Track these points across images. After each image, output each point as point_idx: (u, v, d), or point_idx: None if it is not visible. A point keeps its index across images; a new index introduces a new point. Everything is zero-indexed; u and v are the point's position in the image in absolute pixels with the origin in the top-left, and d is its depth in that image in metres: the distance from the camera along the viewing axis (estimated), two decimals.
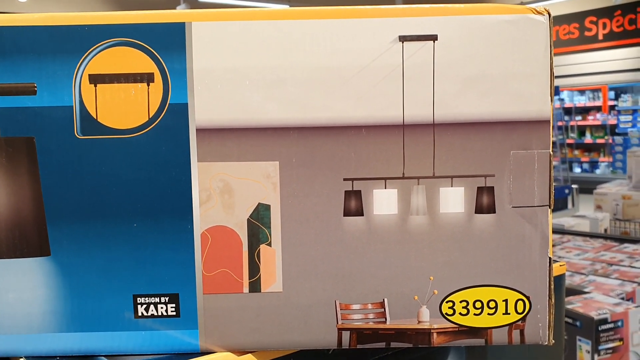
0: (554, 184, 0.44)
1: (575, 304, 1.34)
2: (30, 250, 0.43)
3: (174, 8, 6.60)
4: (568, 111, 7.86)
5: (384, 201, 0.43)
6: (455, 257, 0.44)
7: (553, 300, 0.45)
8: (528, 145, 0.43)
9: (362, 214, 0.43)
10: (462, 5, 0.43)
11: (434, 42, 0.42)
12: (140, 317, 0.44)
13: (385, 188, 0.43)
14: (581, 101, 7.91)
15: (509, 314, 0.44)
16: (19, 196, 0.43)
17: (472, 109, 0.43)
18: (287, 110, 0.43)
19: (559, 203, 4.87)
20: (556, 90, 5.17)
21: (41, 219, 0.43)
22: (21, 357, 0.44)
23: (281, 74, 0.43)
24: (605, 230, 2.96)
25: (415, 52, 0.42)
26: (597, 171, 7.61)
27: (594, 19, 7.54)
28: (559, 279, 0.67)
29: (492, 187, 0.43)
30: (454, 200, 0.43)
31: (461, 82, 0.42)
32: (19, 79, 0.42)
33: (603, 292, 1.44)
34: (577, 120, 7.87)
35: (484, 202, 0.43)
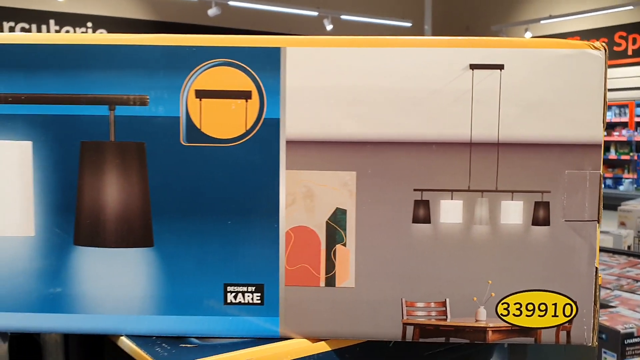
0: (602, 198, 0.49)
1: (601, 317, 1.38)
2: (136, 241, 0.49)
3: (205, 11, 6.71)
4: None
5: (450, 211, 0.48)
6: (512, 264, 0.49)
7: (598, 306, 0.50)
8: (581, 165, 0.48)
9: (429, 222, 0.49)
10: (526, 39, 0.48)
11: (500, 70, 0.47)
12: (229, 303, 0.50)
13: (452, 199, 0.48)
14: (607, 116, 7.88)
15: (558, 316, 0.49)
16: (129, 193, 0.49)
17: (532, 131, 0.48)
18: (365, 127, 0.48)
19: None
20: None
21: (147, 214, 0.49)
22: (122, 335, 0.50)
23: (361, 95, 0.48)
24: (629, 247, 2.96)
25: (483, 79, 0.48)
26: (621, 188, 7.56)
27: (624, 34, 7.51)
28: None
29: (548, 202, 0.48)
30: (513, 212, 0.48)
31: (523, 107, 0.48)
32: (133, 91, 0.48)
33: (629, 307, 1.48)
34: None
35: (540, 215, 0.48)
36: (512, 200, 0.48)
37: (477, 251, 0.49)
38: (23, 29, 6.56)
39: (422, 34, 7.11)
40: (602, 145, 0.48)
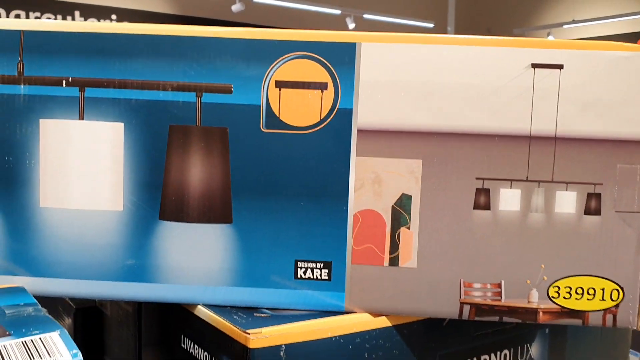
0: None
1: None
2: (216, 217, 0.54)
3: (229, 7, 6.76)
4: None
5: (508, 199, 0.52)
6: (564, 250, 0.52)
7: None
8: (632, 160, 0.52)
9: (489, 209, 0.52)
10: (584, 41, 0.52)
11: (560, 70, 0.51)
12: (299, 278, 0.54)
13: (511, 188, 0.52)
14: None
15: (605, 300, 0.53)
16: (212, 174, 0.53)
17: (588, 127, 0.51)
18: (433, 118, 0.52)
19: None
20: None
21: (227, 193, 0.53)
22: (199, 305, 0.55)
23: (430, 88, 0.52)
24: None
25: (544, 78, 0.51)
26: None
27: None
28: None
29: (600, 194, 0.52)
30: (567, 202, 0.52)
31: (581, 104, 0.51)
32: (219, 80, 0.53)
33: None
34: None
35: (592, 205, 0.52)
36: (566, 190, 0.52)
37: (532, 237, 0.52)
38: (48, 20, 6.65)
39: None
40: None
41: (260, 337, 0.48)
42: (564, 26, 7.46)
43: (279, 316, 0.53)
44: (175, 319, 0.58)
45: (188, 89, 0.53)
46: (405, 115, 0.52)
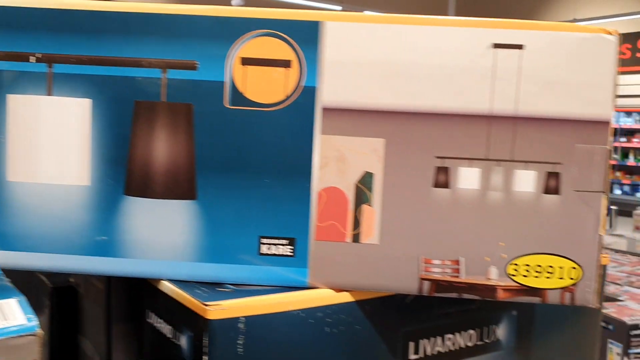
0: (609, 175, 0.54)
1: (609, 309, 1.41)
2: (180, 193, 0.54)
3: (229, 2, 6.76)
4: (613, 132, 7.79)
5: (468, 177, 0.53)
6: (523, 228, 0.53)
7: (601, 271, 0.54)
8: (590, 140, 0.52)
9: (448, 187, 0.53)
10: (546, 22, 0.52)
11: (521, 50, 0.52)
12: (263, 254, 0.55)
13: (470, 167, 0.53)
14: (627, 123, 7.84)
15: (563, 279, 0.54)
16: (176, 150, 0.54)
17: (547, 107, 0.52)
18: (395, 98, 0.53)
19: None
20: None
21: (192, 169, 0.54)
22: (163, 279, 0.56)
23: (393, 68, 0.53)
24: None
25: (505, 58, 0.52)
26: (639, 194, 7.53)
27: None
28: (603, 268, 0.75)
29: (559, 173, 0.53)
30: (526, 181, 0.53)
31: (541, 85, 0.52)
32: (184, 56, 0.53)
33: (637, 301, 1.51)
34: (622, 142, 7.80)
35: (551, 184, 0.53)
36: (525, 169, 0.53)
37: (491, 215, 0.53)
38: None
39: None
40: (611, 122, 0.52)
41: (218, 308, 0.49)
42: None
43: (242, 291, 0.54)
44: (141, 294, 0.59)
45: (154, 65, 0.53)
46: (368, 94, 0.53)
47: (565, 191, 0.53)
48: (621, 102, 7.77)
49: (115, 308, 0.64)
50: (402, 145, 0.53)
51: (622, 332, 1.33)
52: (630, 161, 7.68)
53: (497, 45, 0.52)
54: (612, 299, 1.52)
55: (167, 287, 0.55)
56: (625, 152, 7.76)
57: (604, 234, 0.54)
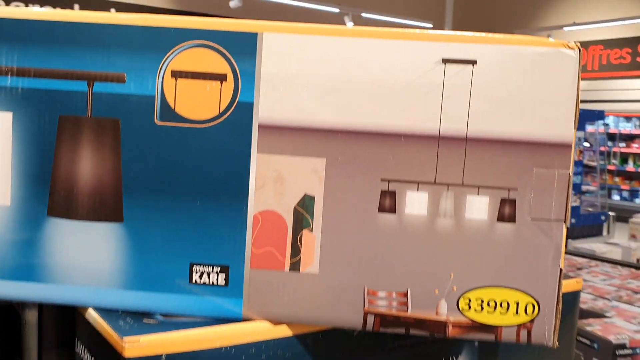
0: (571, 202, 0.49)
1: (594, 326, 1.37)
2: (106, 215, 0.50)
3: (227, 3, 6.73)
4: (612, 137, 7.75)
5: (415, 202, 0.49)
6: (475, 259, 0.49)
7: (560, 307, 0.50)
8: (550, 164, 0.48)
9: (394, 212, 0.49)
10: (501, 36, 0.48)
11: (473, 66, 0.48)
12: (194, 283, 0.50)
13: (418, 191, 0.49)
14: (627, 128, 7.79)
15: (519, 314, 0.49)
16: (102, 168, 0.50)
17: (502, 128, 0.48)
18: (338, 115, 0.49)
19: (594, 229, 4.81)
20: (601, 115, 5.12)
21: (118, 189, 0.50)
22: (89, 307, 0.51)
23: (336, 83, 0.49)
24: (638, 260, 2.94)
25: (456, 74, 0.48)
26: (637, 200, 7.48)
27: None
28: (574, 294, 0.71)
29: (514, 199, 0.49)
30: (478, 207, 0.48)
31: (494, 103, 0.48)
32: (112, 68, 0.49)
33: (625, 318, 1.46)
34: (621, 147, 7.75)
35: (506, 212, 0.49)
36: (477, 195, 0.49)
37: (441, 244, 0.49)
38: None
39: None
40: (573, 145, 0.48)
41: (136, 345, 0.45)
42: (565, 28, 7.41)
43: (169, 323, 0.49)
44: (71, 321, 0.55)
45: (79, 77, 0.49)
46: (308, 111, 0.49)
47: (521, 219, 0.49)
48: (621, 107, 7.73)
49: (46, 334, 0.60)
50: (345, 167, 0.49)
51: (608, 351, 1.29)
52: (630, 167, 7.61)
53: (447, 61, 0.48)
54: (598, 315, 1.47)
55: (92, 316, 0.51)
56: (624, 158, 7.70)
57: (563, 266, 0.49)
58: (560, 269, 0.49)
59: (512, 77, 0.48)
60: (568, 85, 0.48)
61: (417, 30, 0.48)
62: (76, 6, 6.86)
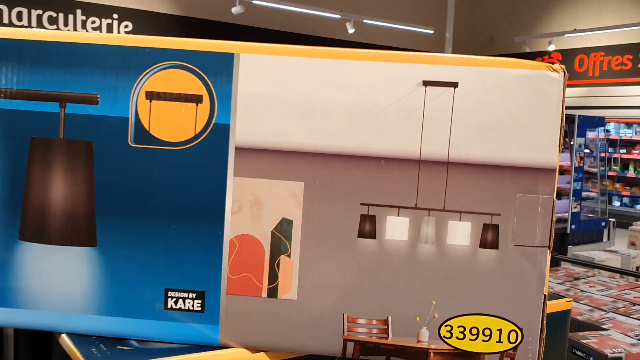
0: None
1: (590, 339, 1.35)
2: (79, 239, 0.49)
3: (229, 9, 6.73)
4: (613, 143, 7.73)
5: (396, 227, 0.47)
6: (458, 286, 0.48)
7: (544, 334, 0.48)
8: (534, 190, 0.47)
9: (374, 237, 0.48)
10: (483, 58, 0.47)
11: (454, 88, 0.46)
12: (169, 309, 0.49)
13: (398, 215, 0.47)
14: (627, 134, 7.77)
15: (502, 342, 0.48)
16: (75, 192, 0.49)
17: (484, 152, 0.47)
18: (316, 138, 0.48)
19: (594, 235, 4.79)
20: (602, 121, 5.10)
21: (91, 214, 0.49)
22: (62, 333, 0.50)
23: (314, 105, 0.47)
24: (637, 268, 2.91)
25: (437, 97, 0.47)
26: (638, 207, 7.45)
27: None
28: (564, 314, 0.70)
29: (497, 225, 0.47)
30: (461, 233, 0.47)
31: (476, 127, 0.47)
32: (84, 89, 0.48)
33: (622, 330, 1.45)
34: (622, 153, 7.73)
35: (489, 238, 0.47)
36: (459, 220, 0.47)
37: (422, 270, 0.48)
38: (50, 17, 6.63)
39: (444, 42, 7.07)
40: (557, 170, 0.47)
41: None
42: (566, 35, 7.40)
43: (144, 350, 0.48)
44: (45, 346, 0.54)
45: (50, 98, 0.48)
46: (286, 133, 0.48)
47: (504, 245, 0.47)
48: (622, 113, 7.71)
49: (22, 357, 0.58)
50: (324, 190, 0.48)
51: None
52: (630, 173, 7.58)
53: (428, 83, 0.46)
54: (595, 327, 1.45)
55: (65, 342, 0.49)
56: (625, 164, 7.67)
57: (547, 293, 0.48)
58: (545, 296, 0.48)
59: (494, 100, 0.46)
60: (552, 108, 0.46)
61: (397, 52, 0.47)
62: (79, 11, 6.86)
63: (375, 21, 7.15)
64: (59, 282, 0.50)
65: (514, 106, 0.46)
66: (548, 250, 0.48)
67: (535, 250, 0.47)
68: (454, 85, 0.46)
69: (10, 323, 0.50)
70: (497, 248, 0.47)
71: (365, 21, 7.13)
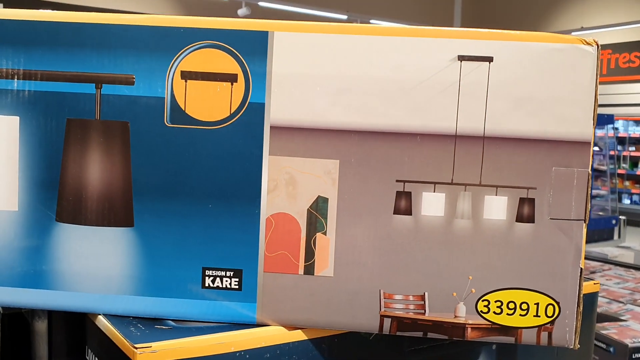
0: (590, 202, 0.48)
1: (610, 329, 1.35)
2: (116, 220, 0.49)
3: (235, 11, 6.75)
4: (622, 141, 7.69)
5: (432, 203, 0.48)
6: (494, 260, 0.48)
7: (581, 308, 0.48)
8: (569, 163, 0.47)
9: (410, 214, 0.48)
10: (517, 32, 0.47)
11: (489, 63, 0.47)
12: (207, 287, 0.49)
13: (434, 192, 0.48)
14: (636, 132, 7.73)
15: (539, 316, 0.48)
16: (111, 172, 0.49)
17: (519, 126, 0.47)
18: (351, 115, 0.48)
19: (605, 233, 4.77)
20: (610, 119, 5.08)
21: (128, 194, 0.49)
22: (99, 314, 0.51)
23: (348, 83, 0.48)
24: None
25: (472, 71, 0.47)
26: None
27: None
28: (592, 296, 0.70)
29: (533, 199, 0.47)
30: (497, 208, 0.47)
31: (512, 101, 0.47)
32: (120, 70, 0.49)
33: None
34: (631, 151, 7.70)
35: (525, 212, 0.47)
36: (496, 195, 0.47)
37: (458, 246, 0.48)
38: None
39: None
40: (592, 143, 0.47)
41: (149, 351, 0.44)
42: (573, 33, 7.38)
43: (182, 328, 0.48)
44: (81, 329, 0.54)
45: (87, 79, 0.49)
46: (320, 111, 0.48)
47: (540, 219, 0.48)
48: (630, 110, 7.67)
49: (56, 342, 0.59)
50: (359, 168, 0.48)
51: (624, 355, 1.26)
52: None
53: (463, 58, 0.47)
54: (613, 318, 1.45)
55: (102, 323, 0.50)
56: (634, 162, 7.64)
57: (583, 266, 0.48)
58: (581, 269, 0.48)
59: (529, 74, 0.47)
60: (586, 81, 0.47)
61: (432, 27, 0.47)
62: None
63: (382, 21, 7.15)
64: (96, 264, 0.50)
65: (548, 80, 0.47)
66: (584, 224, 0.48)
67: (572, 224, 0.47)
68: (489, 59, 0.47)
69: (48, 305, 0.51)
70: (533, 222, 0.47)
71: (372, 21, 7.14)
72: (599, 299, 1.62)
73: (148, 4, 7.09)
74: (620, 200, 7.09)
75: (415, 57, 0.47)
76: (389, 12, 7.73)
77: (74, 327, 0.57)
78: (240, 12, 6.77)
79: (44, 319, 0.58)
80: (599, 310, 1.52)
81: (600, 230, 4.70)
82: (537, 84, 0.47)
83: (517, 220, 0.47)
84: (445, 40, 0.47)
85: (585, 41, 0.46)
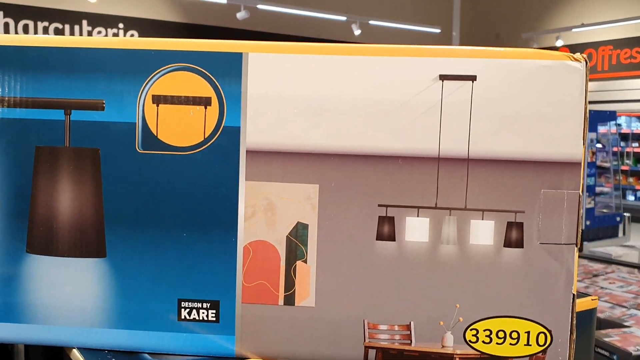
0: (585, 204, 0.46)
1: (613, 337, 1.32)
2: (88, 251, 0.48)
3: (234, 14, 6.74)
4: (625, 137, 7.65)
5: (416, 229, 0.46)
6: (482, 287, 0.46)
7: (574, 336, 0.46)
8: (558, 185, 0.45)
9: (394, 239, 0.46)
10: (501, 49, 0.45)
11: (472, 82, 0.45)
12: (183, 320, 0.48)
13: (418, 216, 0.45)
14: (639, 128, 7.69)
15: (531, 345, 0.46)
16: (82, 201, 0.47)
17: (505, 147, 0.45)
18: (330, 138, 0.46)
19: (609, 231, 4.73)
20: (613, 116, 5.05)
21: (100, 223, 0.47)
22: (73, 348, 0.49)
23: (327, 104, 0.46)
24: None
25: (454, 91, 0.45)
26: None
27: None
28: (590, 313, 0.67)
29: (522, 223, 0.45)
30: (483, 232, 0.45)
31: (497, 121, 0.45)
32: (90, 95, 0.47)
33: None
34: (634, 147, 7.66)
35: (513, 236, 0.45)
36: (482, 219, 0.45)
37: (445, 272, 0.46)
38: (57, 29, 6.67)
39: (450, 41, 7.05)
40: (583, 164, 0.45)
41: None
42: (573, 30, 7.34)
43: None
44: (60, 357, 0.52)
45: (55, 105, 0.47)
46: (298, 134, 0.46)
47: (529, 244, 0.45)
48: (633, 106, 7.63)
49: None
50: (340, 192, 0.46)
51: None
52: None
53: (445, 77, 0.45)
54: (617, 325, 1.42)
55: (76, 357, 0.48)
56: (638, 158, 7.59)
57: (576, 292, 0.46)
58: (573, 295, 0.46)
59: (514, 93, 0.44)
60: (575, 99, 0.44)
61: (412, 46, 0.45)
62: (84, 22, 6.90)
63: (382, 22, 7.13)
64: (69, 296, 0.48)
65: (534, 98, 0.44)
66: (575, 248, 0.45)
67: (562, 248, 0.45)
68: (472, 78, 0.44)
69: (19, 339, 0.49)
70: (522, 247, 0.45)
71: (371, 22, 7.11)
72: (602, 304, 1.60)
73: (146, 8, 7.08)
74: (624, 197, 7.05)
75: (396, 77, 0.45)
76: (388, 12, 7.71)
77: (52, 357, 0.55)
78: (239, 15, 6.75)
79: (20, 353, 0.56)
80: (601, 315, 1.50)
81: (604, 228, 4.67)
82: (523, 103, 0.44)
83: (505, 246, 0.45)
84: (427, 59, 0.45)
85: (573, 57, 0.44)
